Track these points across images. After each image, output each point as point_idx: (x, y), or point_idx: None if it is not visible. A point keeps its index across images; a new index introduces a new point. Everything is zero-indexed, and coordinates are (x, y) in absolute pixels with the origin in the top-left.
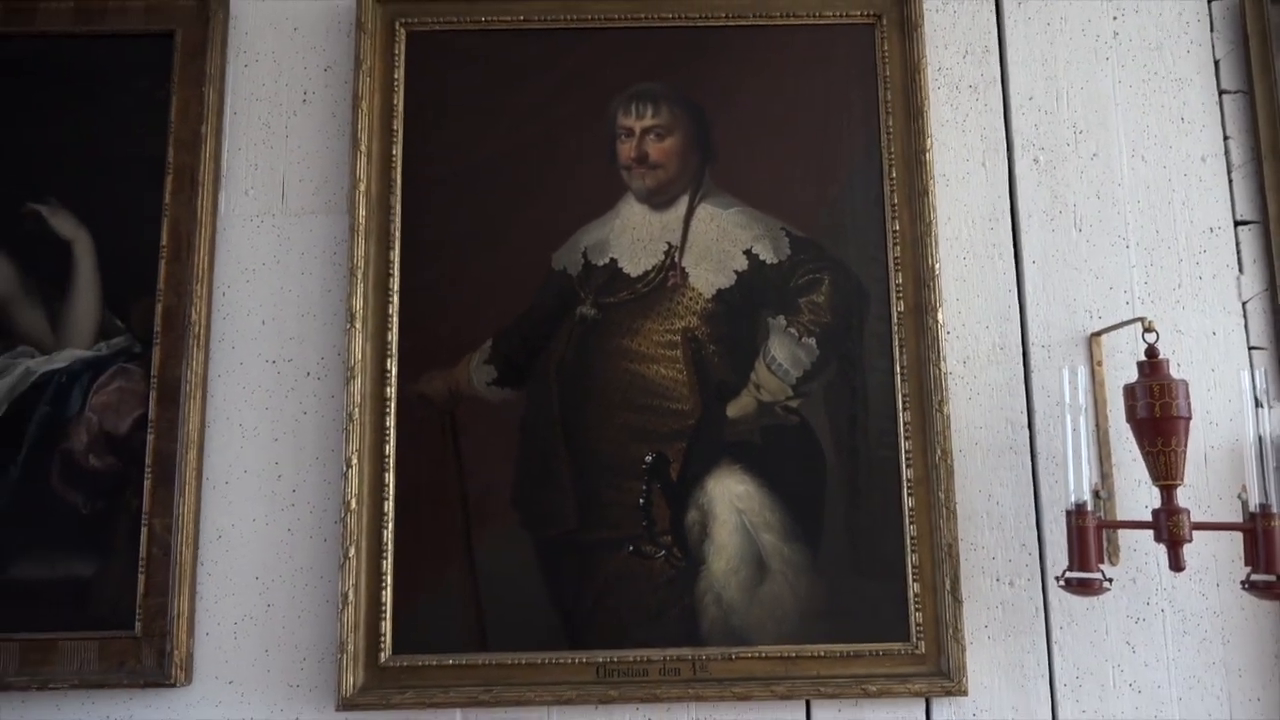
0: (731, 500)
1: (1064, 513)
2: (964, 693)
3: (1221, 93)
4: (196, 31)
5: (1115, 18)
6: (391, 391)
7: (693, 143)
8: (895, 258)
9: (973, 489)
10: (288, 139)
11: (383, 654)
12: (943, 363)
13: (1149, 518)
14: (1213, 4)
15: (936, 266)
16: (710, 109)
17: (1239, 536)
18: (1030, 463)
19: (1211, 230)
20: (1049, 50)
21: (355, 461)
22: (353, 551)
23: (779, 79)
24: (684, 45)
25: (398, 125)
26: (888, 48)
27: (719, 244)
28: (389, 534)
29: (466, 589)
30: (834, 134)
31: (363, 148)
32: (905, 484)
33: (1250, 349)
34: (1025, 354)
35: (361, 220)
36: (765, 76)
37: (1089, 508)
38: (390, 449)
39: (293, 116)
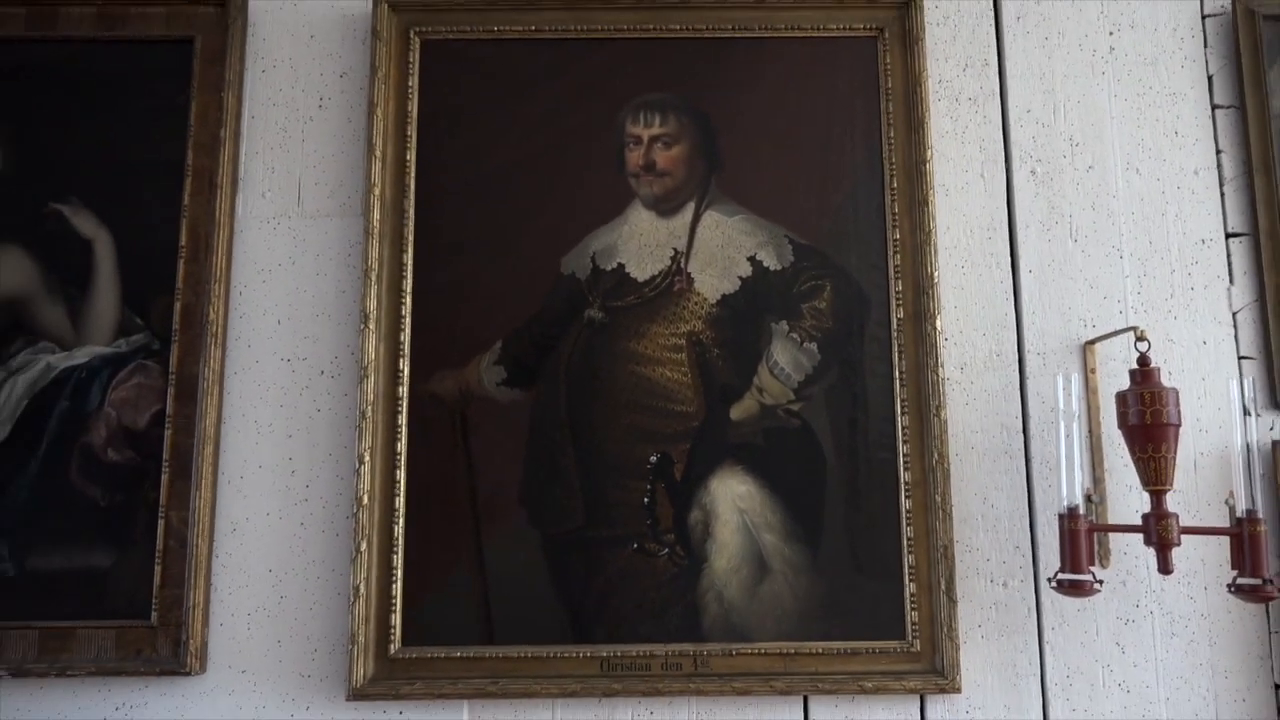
0: (734, 500)
1: (1057, 516)
2: (958, 690)
3: (1214, 107)
4: (216, 38)
5: (1111, 33)
6: (404, 390)
7: (699, 151)
8: (895, 266)
9: (968, 492)
10: (304, 143)
11: (392, 646)
12: (941, 368)
13: (1139, 522)
14: (1206, 20)
15: (935, 275)
16: (716, 118)
17: (1226, 541)
18: (1025, 467)
19: (1203, 242)
20: (1047, 64)
21: (368, 458)
22: (364, 546)
23: (784, 90)
24: (691, 56)
25: (411, 131)
26: (890, 61)
27: (724, 250)
28: (400, 529)
29: (475, 584)
30: (837, 144)
31: (377, 152)
32: (903, 486)
33: (1240, 359)
34: (1021, 361)
35: (376, 223)
36: (770, 87)
37: (1081, 511)
38: (402, 446)
39: (309, 121)
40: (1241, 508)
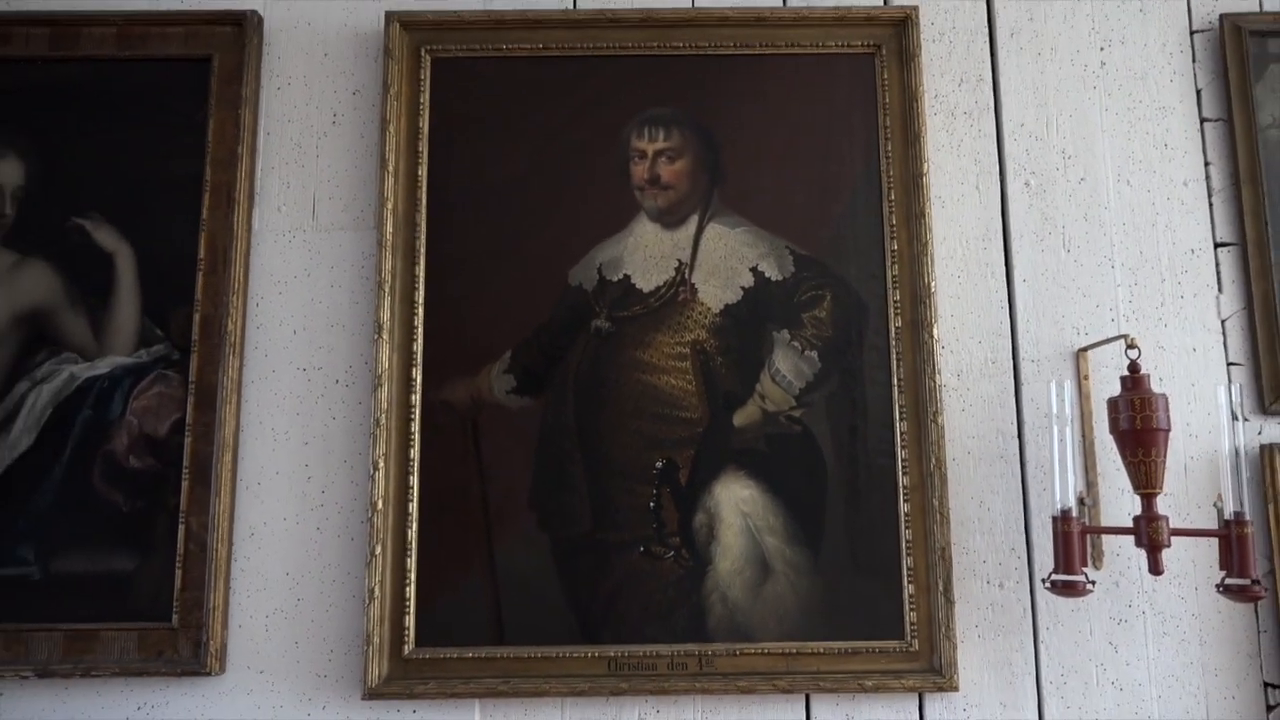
0: (737, 504)
1: (1050, 519)
2: (955, 689)
3: (1203, 121)
4: (232, 57)
5: (1102, 49)
6: (416, 399)
7: (702, 165)
8: (893, 275)
9: (965, 495)
10: (318, 158)
11: (406, 646)
12: (938, 376)
13: (1131, 524)
14: (1194, 36)
15: (932, 284)
16: (719, 133)
17: (1215, 542)
18: (1020, 471)
19: (1192, 252)
20: (1040, 79)
21: (382, 464)
22: (379, 549)
23: (784, 105)
24: (694, 73)
25: (423, 146)
26: (887, 76)
27: (727, 261)
28: (413, 533)
29: (486, 586)
30: (836, 158)
31: (390, 167)
32: (901, 490)
33: (1229, 365)
34: (1016, 368)
35: (388, 236)
36: (771, 103)
37: (1074, 514)
38: (415, 453)
39: (323, 137)
40: (1229, 510)
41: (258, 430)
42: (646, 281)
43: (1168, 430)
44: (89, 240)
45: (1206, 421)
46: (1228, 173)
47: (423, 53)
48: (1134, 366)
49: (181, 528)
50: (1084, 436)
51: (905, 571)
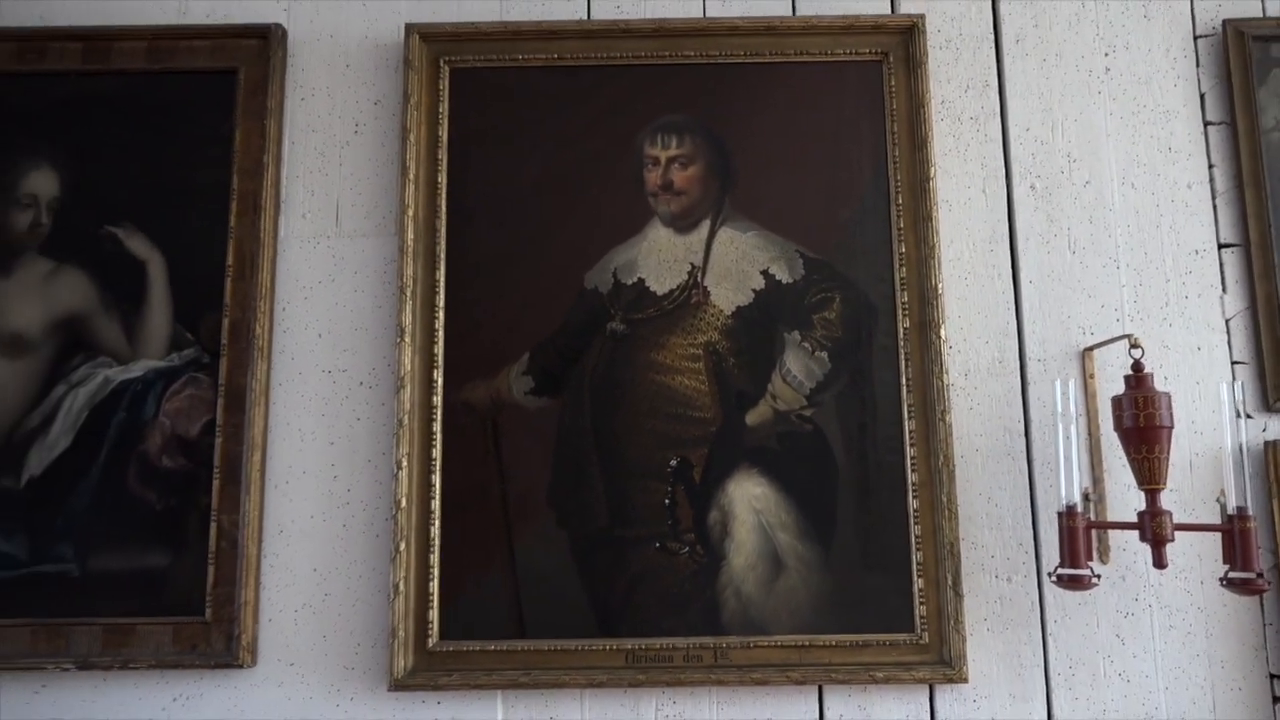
0: (750, 501)
1: (1056, 514)
2: (965, 680)
3: (1206, 124)
4: (258, 69)
5: (1107, 54)
6: (438, 400)
7: (714, 171)
8: (901, 278)
9: (973, 492)
10: (341, 167)
11: (430, 640)
12: (945, 375)
13: (1136, 519)
14: (1198, 41)
15: (940, 286)
16: (730, 140)
17: (1219, 537)
18: (1026, 468)
19: (1197, 253)
20: (1045, 84)
21: (405, 464)
22: (403, 546)
23: (794, 112)
24: (706, 81)
25: (442, 154)
26: (894, 83)
27: (738, 265)
28: (436, 530)
29: (507, 581)
30: (845, 163)
31: (410, 175)
32: (910, 487)
33: (1233, 364)
34: (1022, 367)
35: (410, 242)
36: (781, 110)
37: (1079, 509)
38: (437, 452)
39: (346, 146)
40: (1233, 505)
41: (285, 431)
42: (660, 285)
43: (1170, 427)
44: (121, 248)
45: (1211, 419)
46: (1231, 175)
47: (442, 63)
48: (1137, 365)
49: (213, 525)
50: (1090, 434)
51: (915, 566)
